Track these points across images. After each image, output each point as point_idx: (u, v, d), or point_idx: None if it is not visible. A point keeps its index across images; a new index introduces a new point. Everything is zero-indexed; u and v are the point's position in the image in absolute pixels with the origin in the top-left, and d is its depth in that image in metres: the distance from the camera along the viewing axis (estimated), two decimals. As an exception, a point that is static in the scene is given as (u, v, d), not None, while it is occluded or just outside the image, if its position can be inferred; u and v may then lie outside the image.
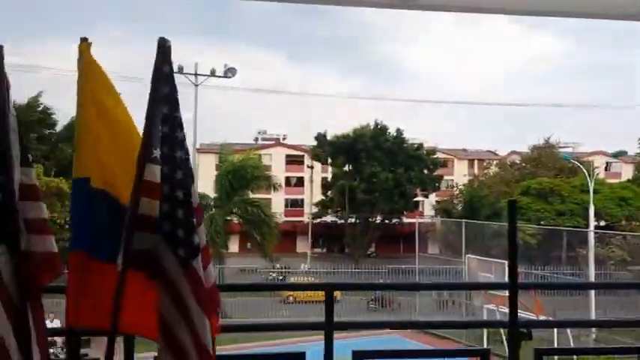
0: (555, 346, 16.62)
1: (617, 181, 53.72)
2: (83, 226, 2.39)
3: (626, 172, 61.27)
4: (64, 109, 39.89)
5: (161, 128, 2.22)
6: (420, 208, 65.81)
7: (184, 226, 2.23)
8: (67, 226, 30.60)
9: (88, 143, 2.37)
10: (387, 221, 59.60)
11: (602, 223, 42.92)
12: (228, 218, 32.08)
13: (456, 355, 2.95)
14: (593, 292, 24.55)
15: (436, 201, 64.25)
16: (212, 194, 32.61)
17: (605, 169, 60.80)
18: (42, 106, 38.91)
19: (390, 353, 3.53)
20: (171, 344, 2.21)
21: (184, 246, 2.21)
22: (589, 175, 28.03)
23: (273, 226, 30.69)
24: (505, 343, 21.55)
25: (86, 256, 2.37)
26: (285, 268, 36.62)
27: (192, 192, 2.27)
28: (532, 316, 19.90)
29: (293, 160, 71.33)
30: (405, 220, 61.78)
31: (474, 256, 22.06)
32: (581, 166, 31.00)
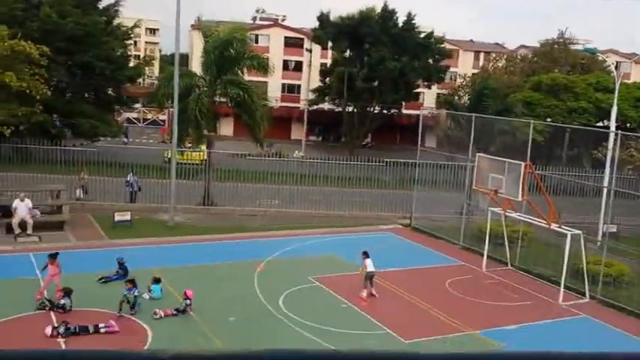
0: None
1: (627, 81, 51.10)
2: None
3: (637, 73, 58.58)
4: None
5: None
6: (421, 100, 63.25)
7: None
8: (37, 98, 27.98)
9: None
10: (385, 112, 57.23)
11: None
12: (219, 100, 29.56)
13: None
14: (605, 194, 22.98)
15: (438, 93, 61.75)
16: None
17: (615, 68, 57.87)
18: None
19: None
20: None
21: None
22: (615, 70, 25.33)
23: (264, 110, 28.19)
24: (507, 245, 20.22)
25: None
26: (278, 154, 35.01)
27: None
28: (544, 224, 18.30)
29: (292, 43, 67.40)
30: (405, 111, 59.44)
31: (485, 155, 19.96)
32: (606, 60, 28.10)
